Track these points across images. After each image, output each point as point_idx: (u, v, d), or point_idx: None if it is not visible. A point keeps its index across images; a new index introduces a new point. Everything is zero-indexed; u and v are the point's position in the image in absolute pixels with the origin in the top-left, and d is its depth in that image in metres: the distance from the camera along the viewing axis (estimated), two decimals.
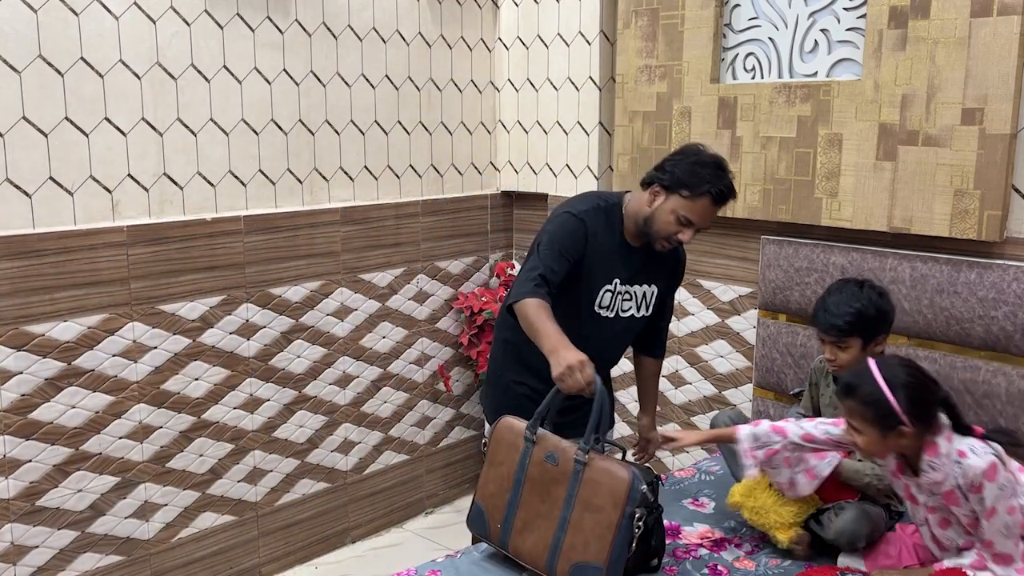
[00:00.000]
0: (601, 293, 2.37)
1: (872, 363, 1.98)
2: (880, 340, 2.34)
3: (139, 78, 2.68)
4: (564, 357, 2.05)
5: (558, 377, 2.04)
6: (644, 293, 2.44)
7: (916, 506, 2.08)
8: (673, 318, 2.85)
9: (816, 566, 2.21)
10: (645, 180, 2.33)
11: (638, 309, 2.44)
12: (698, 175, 2.25)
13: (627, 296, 2.42)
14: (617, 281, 2.38)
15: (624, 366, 3.54)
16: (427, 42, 3.46)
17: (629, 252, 2.37)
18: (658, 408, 2.89)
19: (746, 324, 3.18)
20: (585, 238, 2.30)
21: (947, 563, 2.01)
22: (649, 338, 2.57)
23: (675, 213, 2.26)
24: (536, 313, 2.15)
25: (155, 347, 2.79)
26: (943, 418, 1.99)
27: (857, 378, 1.97)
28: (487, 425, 2.69)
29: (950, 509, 1.99)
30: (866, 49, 2.70)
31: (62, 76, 2.52)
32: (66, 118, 2.55)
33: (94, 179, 2.63)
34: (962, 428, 2.00)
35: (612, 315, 2.41)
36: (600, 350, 2.36)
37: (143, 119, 2.70)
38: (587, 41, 3.40)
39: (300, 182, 3.13)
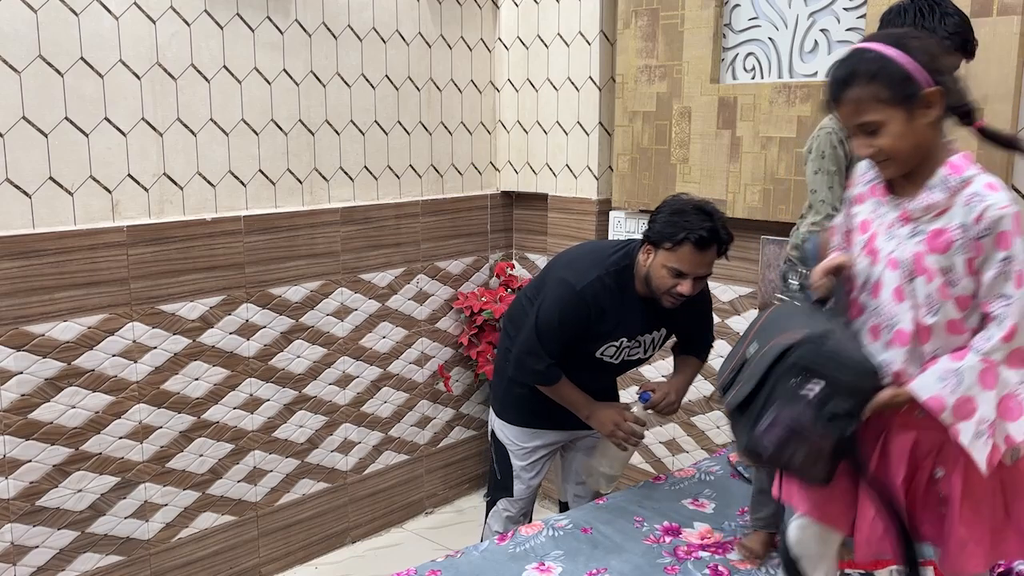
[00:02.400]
0: (604, 347, 2.47)
1: (857, 45, 1.62)
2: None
3: (139, 78, 2.67)
4: (602, 418, 2.46)
5: (610, 435, 2.46)
6: (653, 338, 2.51)
7: (875, 263, 1.63)
8: None
9: None
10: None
11: (645, 351, 2.53)
12: (675, 224, 2.27)
13: (635, 345, 2.49)
14: (624, 339, 2.47)
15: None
16: (427, 42, 3.46)
17: (641, 307, 2.42)
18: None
19: (746, 324, 3.18)
20: (588, 318, 2.39)
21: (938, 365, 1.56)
22: (693, 344, 2.61)
23: (665, 267, 2.29)
24: (561, 393, 2.47)
25: (155, 347, 2.79)
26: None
27: (850, 62, 1.57)
28: (492, 414, 2.73)
29: (926, 262, 1.55)
30: None
31: (62, 76, 2.52)
32: (66, 118, 2.55)
33: (94, 179, 2.63)
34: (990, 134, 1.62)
35: (617, 361, 2.51)
36: (603, 384, 2.63)
37: (143, 119, 2.70)
38: (587, 41, 3.40)
39: (300, 182, 3.13)
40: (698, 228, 2.25)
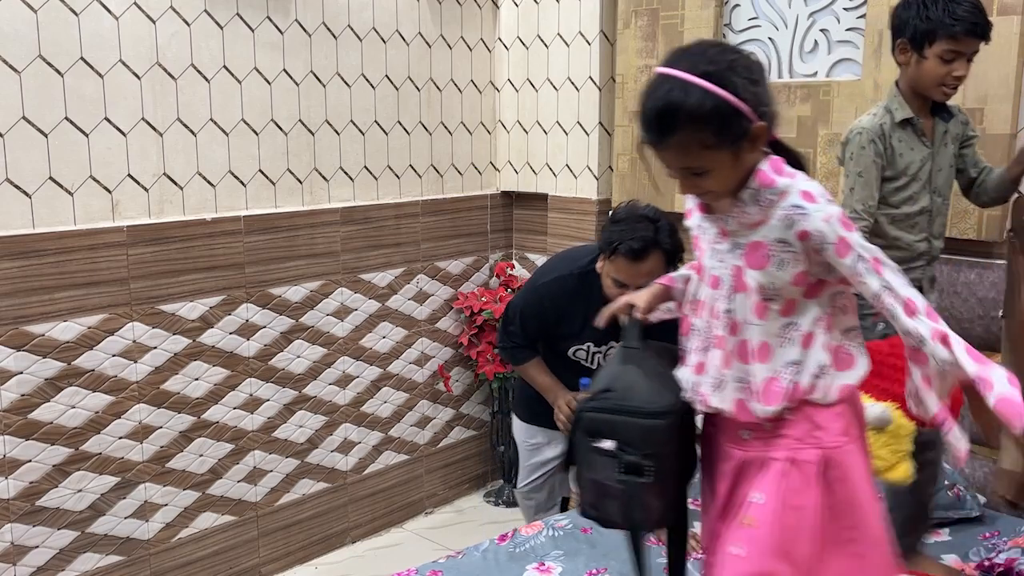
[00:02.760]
0: (573, 350, 2.53)
1: (664, 69, 1.42)
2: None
3: (139, 78, 2.67)
4: (558, 403, 2.50)
5: (556, 419, 2.53)
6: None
7: (701, 280, 1.57)
8: None
9: None
10: None
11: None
12: (611, 234, 2.25)
13: (607, 351, 2.50)
14: (590, 345, 2.49)
15: None
16: (427, 42, 3.46)
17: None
18: None
19: None
20: (544, 315, 2.50)
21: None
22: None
23: (610, 277, 2.28)
24: (530, 375, 2.58)
25: (155, 347, 2.79)
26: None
27: (669, 101, 1.38)
28: (515, 418, 2.76)
29: (746, 277, 1.47)
30: (866, 49, 2.70)
31: (62, 76, 2.52)
32: (66, 118, 2.55)
33: (94, 179, 2.63)
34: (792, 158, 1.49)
35: (594, 366, 2.52)
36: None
37: (143, 119, 2.70)
38: (587, 41, 3.40)
39: (300, 182, 3.13)
40: (630, 238, 2.19)
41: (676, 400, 1.56)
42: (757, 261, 1.45)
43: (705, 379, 1.53)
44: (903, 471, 2.08)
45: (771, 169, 1.44)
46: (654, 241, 2.20)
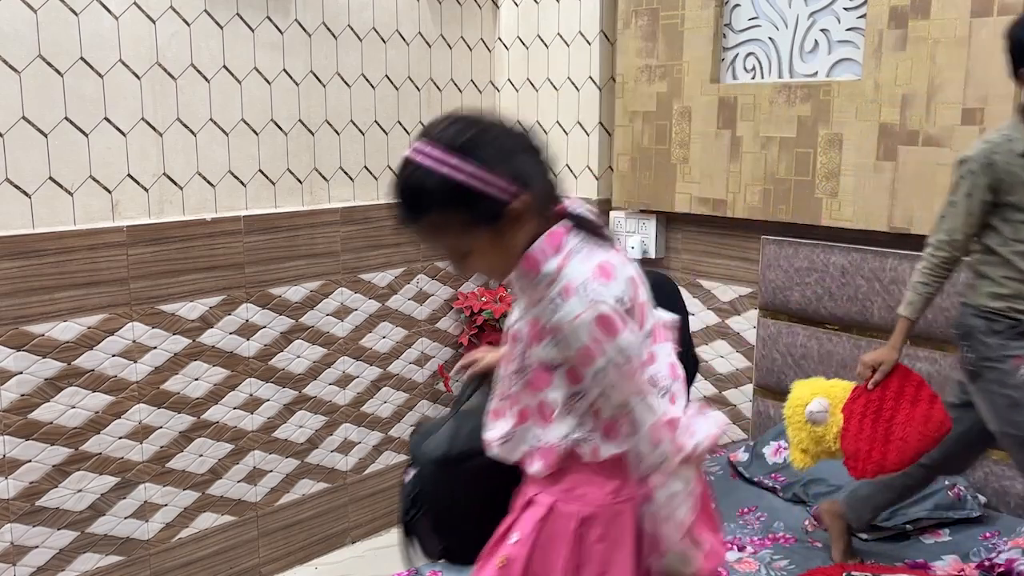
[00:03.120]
0: None
1: (409, 151, 1.32)
2: None
3: (139, 78, 2.67)
4: None
5: None
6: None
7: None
8: None
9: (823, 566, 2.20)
10: None
11: None
12: None
13: None
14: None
15: None
16: (427, 42, 3.46)
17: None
18: None
19: (746, 324, 3.18)
20: None
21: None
22: None
23: None
24: None
25: (155, 347, 2.79)
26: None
27: (413, 183, 1.31)
28: None
29: (531, 346, 1.41)
30: (866, 49, 2.70)
31: (62, 76, 2.52)
32: (66, 118, 2.55)
33: (94, 179, 2.63)
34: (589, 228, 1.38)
35: None
36: None
37: (143, 119, 2.70)
38: (587, 41, 3.40)
39: (300, 182, 3.13)
40: None
41: (449, 449, 1.63)
42: (536, 335, 1.38)
43: (497, 428, 1.50)
44: (799, 460, 2.16)
45: (546, 246, 1.33)
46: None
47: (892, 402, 2.11)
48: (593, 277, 1.30)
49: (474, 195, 1.27)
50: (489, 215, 1.29)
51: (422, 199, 1.30)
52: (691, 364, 2.66)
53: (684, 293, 3.30)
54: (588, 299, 1.28)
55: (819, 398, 2.19)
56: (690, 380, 2.64)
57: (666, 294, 2.54)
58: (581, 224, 1.37)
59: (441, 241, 1.36)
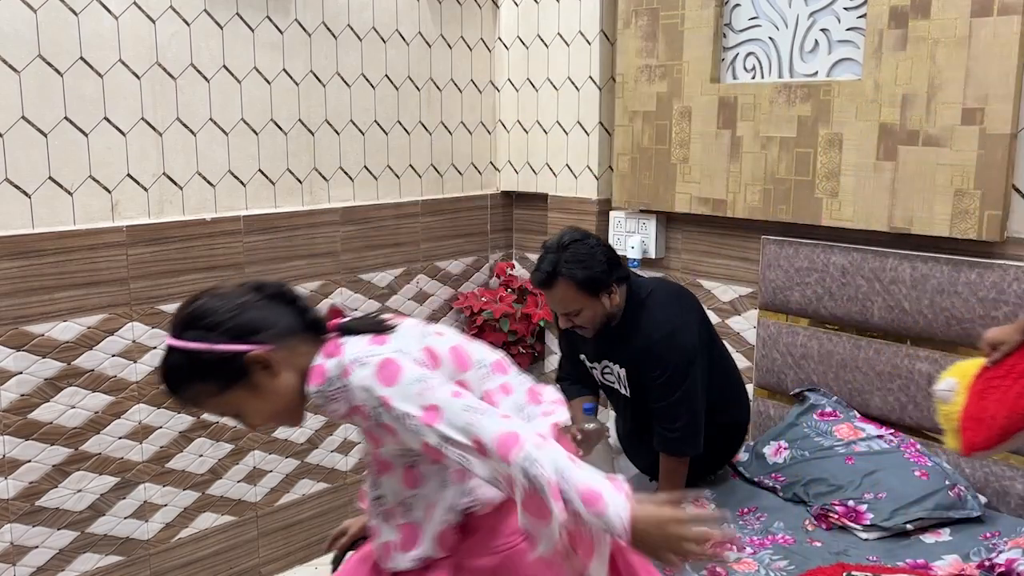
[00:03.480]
0: (588, 364, 2.65)
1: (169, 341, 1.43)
2: None
3: (139, 78, 2.67)
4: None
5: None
6: (616, 372, 2.57)
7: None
8: None
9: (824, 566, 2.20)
10: None
11: (621, 386, 2.58)
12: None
13: (601, 368, 2.60)
14: (583, 357, 2.65)
15: None
16: (427, 42, 3.46)
17: (603, 333, 2.51)
18: None
19: (746, 324, 3.18)
20: (564, 335, 2.67)
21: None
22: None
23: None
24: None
25: (155, 347, 2.79)
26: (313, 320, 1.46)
27: (160, 366, 1.44)
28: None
29: (381, 455, 1.50)
30: (866, 49, 2.70)
31: (62, 76, 2.52)
32: (66, 118, 2.54)
33: (94, 179, 2.63)
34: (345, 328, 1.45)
35: (602, 383, 2.66)
36: (622, 417, 2.73)
37: (143, 119, 2.70)
38: (587, 41, 3.40)
39: (300, 182, 3.13)
40: (535, 270, 2.40)
41: None
42: (375, 441, 1.44)
43: (406, 560, 1.52)
44: (950, 441, 2.11)
45: (324, 358, 1.41)
46: (552, 272, 2.35)
47: (1011, 380, 2.06)
48: (365, 346, 1.40)
49: (208, 364, 1.38)
50: (232, 375, 1.39)
51: (170, 380, 1.42)
52: (727, 361, 2.68)
53: None
54: (364, 361, 1.36)
55: (949, 377, 2.17)
56: (728, 381, 2.65)
57: (684, 301, 2.56)
58: (355, 330, 1.45)
59: (208, 408, 1.47)
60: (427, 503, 1.48)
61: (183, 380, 1.41)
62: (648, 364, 2.44)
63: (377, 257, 3.38)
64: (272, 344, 1.40)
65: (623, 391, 2.58)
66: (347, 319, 1.49)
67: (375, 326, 1.46)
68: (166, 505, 2.89)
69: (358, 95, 3.26)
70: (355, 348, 1.39)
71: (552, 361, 3.68)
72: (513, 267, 3.83)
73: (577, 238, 2.39)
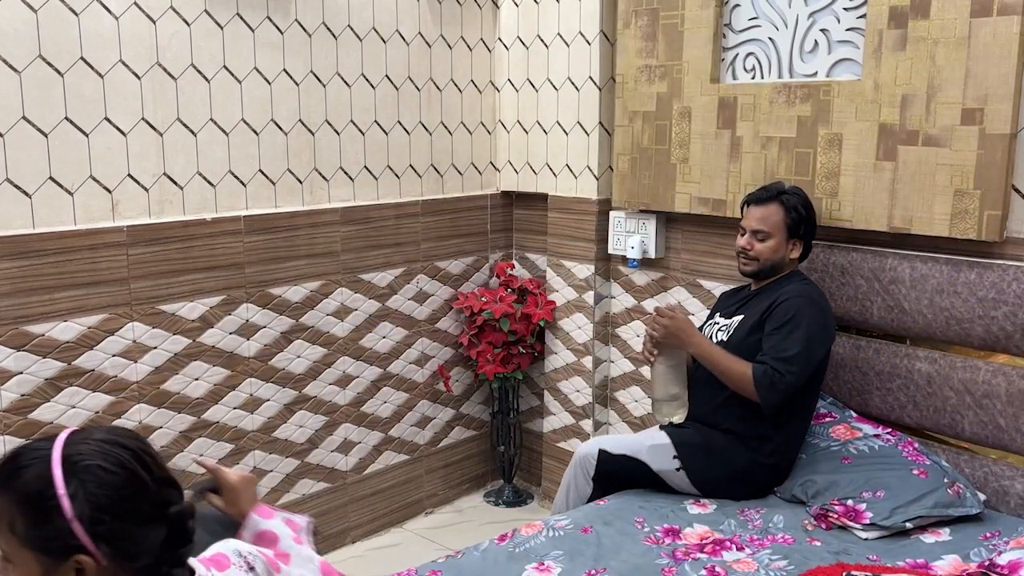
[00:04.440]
0: (707, 325, 2.82)
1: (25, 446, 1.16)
2: None
3: (139, 78, 2.68)
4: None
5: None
6: (734, 321, 2.70)
7: None
8: None
9: (823, 565, 2.20)
10: None
11: (726, 333, 2.71)
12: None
13: (722, 329, 2.73)
14: (716, 318, 2.82)
15: (623, 366, 3.55)
16: (427, 42, 3.46)
17: (744, 293, 2.79)
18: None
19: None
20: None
21: None
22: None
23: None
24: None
25: (155, 347, 2.79)
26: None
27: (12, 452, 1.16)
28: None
29: None
30: (866, 49, 2.70)
31: (62, 76, 2.52)
32: (66, 118, 2.55)
33: (94, 179, 2.63)
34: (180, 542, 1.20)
35: (714, 338, 2.75)
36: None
37: (143, 119, 2.70)
38: (587, 41, 3.40)
39: (300, 182, 3.13)
40: (756, 190, 2.70)
41: None
42: None
43: None
44: None
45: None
46: (776, 193, 2.64)
47: None
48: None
49: (46, 516, 1.09)
50: (50, 547, 1.09)
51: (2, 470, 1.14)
52: (812, 401, 2.72)
53: (684, 293, 3.30)
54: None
55: None
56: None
57: (827, 302, 2.70)
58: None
59: None
60: None
61: (8, 488, 1.12)
62: (779, 306, 2.58)
63: (377, 257, 3.38)
64: (102, 566, 1.11)
65: (723, 336, 2.69)
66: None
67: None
68: None
69: (358, 95, 3.26)
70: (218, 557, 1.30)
71: (552, 361, 3.69)
72: (513, 267, 3.83)
73: (802, 194, 2.68)
